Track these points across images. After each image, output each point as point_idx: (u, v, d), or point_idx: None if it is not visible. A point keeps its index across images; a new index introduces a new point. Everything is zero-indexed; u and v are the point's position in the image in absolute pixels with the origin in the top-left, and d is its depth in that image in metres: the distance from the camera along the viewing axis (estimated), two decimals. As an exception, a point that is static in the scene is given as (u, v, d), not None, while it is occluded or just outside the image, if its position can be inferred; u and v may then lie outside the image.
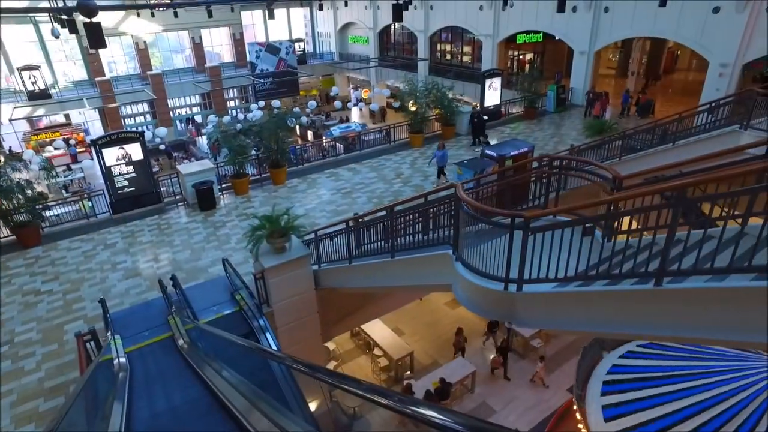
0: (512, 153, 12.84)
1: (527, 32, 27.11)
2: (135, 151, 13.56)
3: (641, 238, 4.57)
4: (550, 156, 6.75)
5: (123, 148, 13.32)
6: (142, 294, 10.33)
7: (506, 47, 28.89)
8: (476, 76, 29.12)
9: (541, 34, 27.59)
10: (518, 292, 5.04)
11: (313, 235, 9.96)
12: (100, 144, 13.14)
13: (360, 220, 8.82)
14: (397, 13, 8.85)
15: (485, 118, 20.83)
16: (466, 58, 31.93)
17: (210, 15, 18.04)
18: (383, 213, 7.57)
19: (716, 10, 19.06)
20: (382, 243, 7.87)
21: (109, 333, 7.77)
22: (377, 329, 15.22)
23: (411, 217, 7.12)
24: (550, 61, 29.42)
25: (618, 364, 9.29)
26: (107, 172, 13.41)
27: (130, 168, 13.64)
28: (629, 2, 21.09)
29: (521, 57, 31.11)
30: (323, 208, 14.35)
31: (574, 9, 22.82)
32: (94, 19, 6.13)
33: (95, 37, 6.08)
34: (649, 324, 3.93)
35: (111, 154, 13.32)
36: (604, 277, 4.34)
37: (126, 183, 13.70)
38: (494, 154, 12.82)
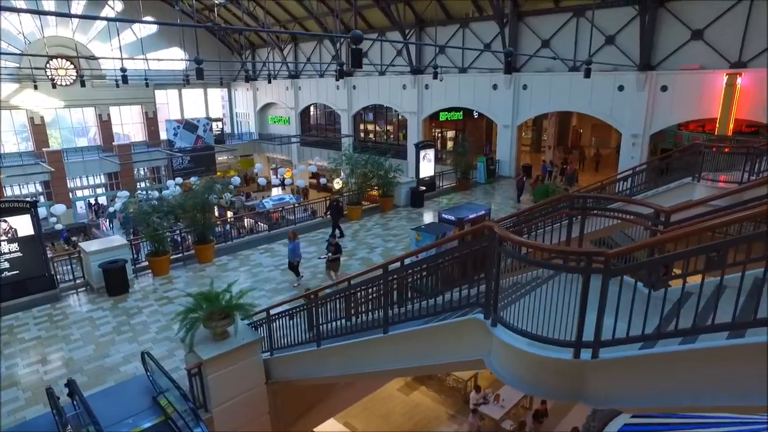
0: (471, 216, 12.28)
1: (449, 110, 28.22)
2: (23, 225, 10.91)
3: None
4: (570, 195, 5.89)
5: (6, 221, 10.67)
6: (18, 412, 7.55)
7: (431, 124, 29.78)
8: (402, 152, 29.57)
9: (461, 112, 28.87)
10: (593, 359, 3.75)
11: (264, 315, 8.08)
12: (-28, 217, 10.43)
13: (318, 294, 7.21)
14: (357, 59, 8.05)
15: (411, 194, 20.47)
16: (390, 136, 32.50)
17: (125, 81, 16.35)
18: (374, 274, 6.04)
19: (621, 88, 21.03)
20: (368, 315, 6.29)
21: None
22: (326, 426, 12.85)
23: (412, 279, 5.66)
24: (471, 136, 30.72)
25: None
26: (-21, 253, 10.57)
27: (14, 246, 10.85)
28: (544, 80, 22.72)
29: (443, 134, 32.29)
30: (261, 287, 12.41)
31: (495, 87, 24.16)
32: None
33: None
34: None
35: (-12, 230, 10.59)
36: (729, 326, 3.21)
37: (6, 265, 10.82)
38: (453, 218, 12.14)
